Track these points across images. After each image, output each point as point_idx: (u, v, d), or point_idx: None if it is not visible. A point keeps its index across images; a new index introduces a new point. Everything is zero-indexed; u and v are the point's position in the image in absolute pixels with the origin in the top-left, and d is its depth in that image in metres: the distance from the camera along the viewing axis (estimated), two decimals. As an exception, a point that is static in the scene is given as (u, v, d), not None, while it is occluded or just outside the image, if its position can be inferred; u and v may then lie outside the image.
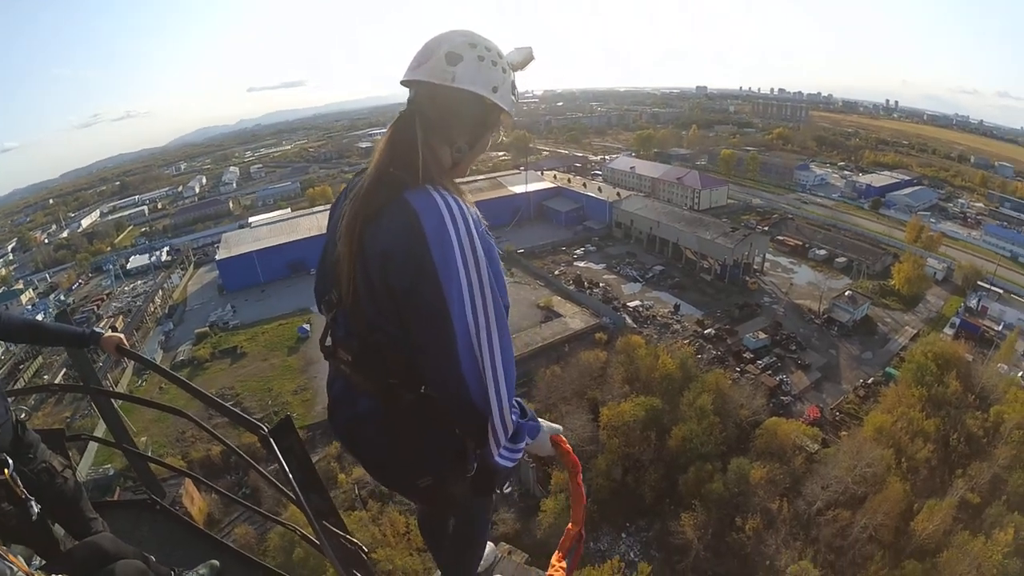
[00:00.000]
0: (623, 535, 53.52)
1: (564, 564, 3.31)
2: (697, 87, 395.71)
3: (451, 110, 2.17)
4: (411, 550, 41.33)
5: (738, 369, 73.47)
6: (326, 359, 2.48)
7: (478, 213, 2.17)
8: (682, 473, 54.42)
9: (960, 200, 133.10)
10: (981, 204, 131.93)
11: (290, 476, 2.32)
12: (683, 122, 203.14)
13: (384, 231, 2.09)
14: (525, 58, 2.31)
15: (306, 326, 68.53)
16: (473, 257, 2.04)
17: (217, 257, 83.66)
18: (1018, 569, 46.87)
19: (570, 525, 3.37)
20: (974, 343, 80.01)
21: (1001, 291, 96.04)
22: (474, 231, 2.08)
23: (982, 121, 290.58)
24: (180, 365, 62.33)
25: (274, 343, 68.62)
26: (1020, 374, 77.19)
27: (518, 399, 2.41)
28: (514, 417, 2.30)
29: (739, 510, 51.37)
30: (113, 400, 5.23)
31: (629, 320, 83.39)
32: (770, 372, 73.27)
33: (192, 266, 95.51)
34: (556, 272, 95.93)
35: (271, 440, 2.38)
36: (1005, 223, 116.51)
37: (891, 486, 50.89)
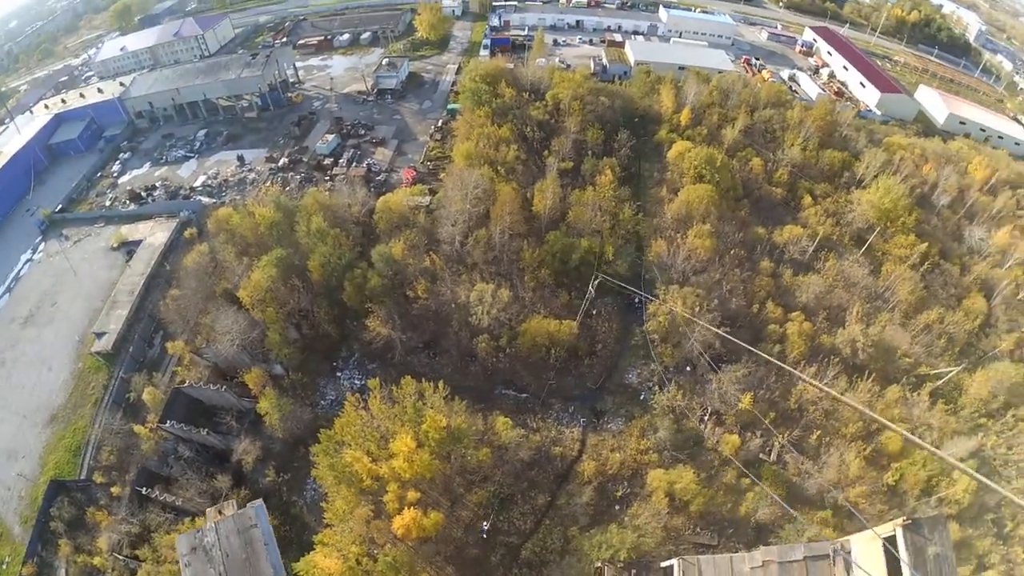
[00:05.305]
0: (338, 374, 56.49)
1: None
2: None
3: None
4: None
5: (327, 178, 72.17)
6: None
7: None
8: (341, 292, 56.10)
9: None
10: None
11: None
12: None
13: None
14: None
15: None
16: None
17: None
18: (628, 195, 56.76)
19: None
20: (509, 53, 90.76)
21: (516, 3, 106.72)
22: None
23: None
24: None
25: None
26: (557, 59, 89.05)
27: None
28: None
29: (405, 285, 54.59)
30: None
31: (205, 199, 77.85)
32: (355, 163, 73.52)
33: None
34: (108, 203, 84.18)
35: None
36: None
37: (502, 192, 54.26)
